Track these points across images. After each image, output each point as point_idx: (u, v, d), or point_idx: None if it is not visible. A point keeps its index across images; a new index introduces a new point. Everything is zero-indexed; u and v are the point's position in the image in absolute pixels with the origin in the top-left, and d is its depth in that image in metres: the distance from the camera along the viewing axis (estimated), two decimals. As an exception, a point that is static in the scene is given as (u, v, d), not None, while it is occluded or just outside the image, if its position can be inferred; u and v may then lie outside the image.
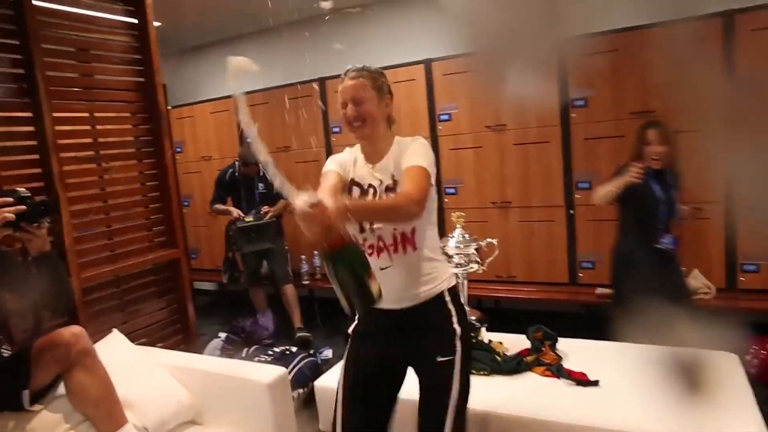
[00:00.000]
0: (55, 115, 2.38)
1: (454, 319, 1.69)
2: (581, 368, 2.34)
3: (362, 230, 1.68)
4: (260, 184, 4.22)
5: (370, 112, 1.63)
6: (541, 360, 2.43)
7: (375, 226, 1.64)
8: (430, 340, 1.68)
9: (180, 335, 2.98)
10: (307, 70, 4.66)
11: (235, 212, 4.15)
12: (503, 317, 3.42)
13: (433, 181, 1.59)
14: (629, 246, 2.88)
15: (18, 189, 1.65)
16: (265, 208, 4.10)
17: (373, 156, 1.71)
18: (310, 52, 4.82)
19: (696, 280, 3.29)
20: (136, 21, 2.79)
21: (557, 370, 2.34)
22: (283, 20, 4.86)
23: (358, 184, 1.71)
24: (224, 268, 4.41)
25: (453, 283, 1.75)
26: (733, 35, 3.17)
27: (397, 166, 1.65)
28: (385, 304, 1.61)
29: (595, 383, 2.23)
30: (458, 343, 1.66)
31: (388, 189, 1.66)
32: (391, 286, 1.63)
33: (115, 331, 2.40)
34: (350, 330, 1.84)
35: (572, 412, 2.06)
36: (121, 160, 2.76)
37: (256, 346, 3.59)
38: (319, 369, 3.42)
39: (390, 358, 1.75)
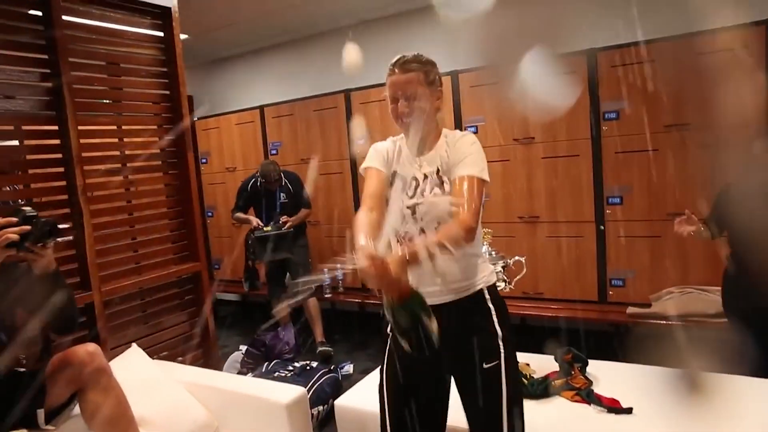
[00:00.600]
0: (81, 128, 2.39)
1: (495, 320, 1.62)
2: (613, 394, 2.23)
3: (403, 218, 1.63)
4: (282, 194, 4.22)
5: (422, 108, 1.57)
6: (570, 384, 2.32)
7: (417, 207, 1.60)
8: (471, 343, 1.60)
9: (200, 349, 2.96)
10: (333, 82, 4.66)
11: (255, 221, 4.16)
12: (530, 335, 3.32)
13: (488, 179, 1.54)
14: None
15: (24, 208, 1.63)
16: (284, 218, 4.08)
17: (418, 149, 1.64)
18: (336, 64, 4.82)
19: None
20: (162, 34, 2.80)
21: (587, 396, 2.23)
22: (309, 32, 4.88)
23: (401, 177, 1.65)
24: (245, 276, 4.41)
25: (493, 280, 1.68)
26: (775, 45, 3.04)
27: (444, 161, 1.59)
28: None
29: (629, 411, 2.12)
30: (501, 345, 1.60)
31: (433, 183, 1.60)
32: (429, 282, 1.59)
33: (134, 345, 2.39)
34: (387, 329, 1.75)
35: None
36: (146, 173, 2.76)
37: (276, 361, 3.56)
38: (339, 385, 3.37)
39: (429, 361, 1.65)
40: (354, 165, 4.52)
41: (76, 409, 1.88)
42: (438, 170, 1.60)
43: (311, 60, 4.97)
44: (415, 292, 1.38)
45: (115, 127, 2.64)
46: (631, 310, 3.40)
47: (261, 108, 4.94)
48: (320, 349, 4.07)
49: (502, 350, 1.60)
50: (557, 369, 2.43)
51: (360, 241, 1.38)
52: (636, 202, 3.47)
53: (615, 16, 3.63)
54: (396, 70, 1.58)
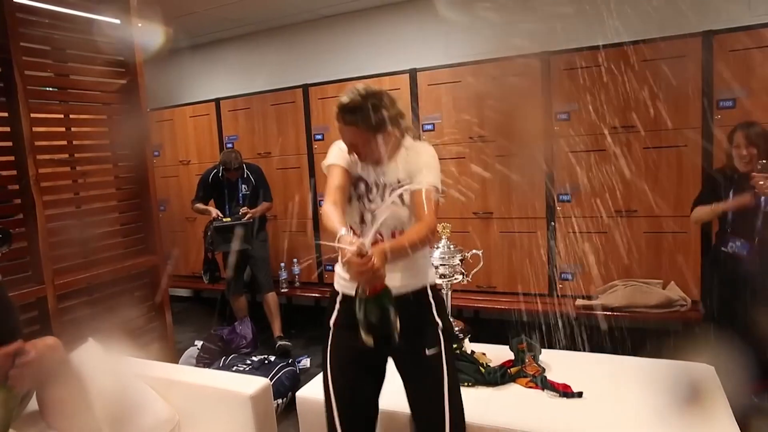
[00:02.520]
0: (33, 116, 2.31)
1: (434, 311, 1.75)
2: (564, 380, 2.35)
3: (363, 221, 1.71)
4: (243, 186, 4.18)
5: (373, 150, 1.63)
6: (524, 371, 2.43)
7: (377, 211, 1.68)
8: (414, 332, 1.69)
9: (156, 344, 2.90)
10: (291, 76, 4.65)
11: (214, 212, 4.10)
12: (484, 327, 3.43)
13: (440, 187, 1.66)
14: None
15: None
16: (244, 209, 4.05)
17: (381, 161, 1.70)
18: (294, 58, 4.81)
19: (673, 292, 3.35)
20: (118, 21, 2.73)
21: (541, 382, 2.34)
22: (267, 26, 4.83)
23: (364, 181, 1.72)
24: (204, 269, 4.32)
25: (434, 279, 1.82)
26: (711, 53, 3.25)
27: (405, 169, 1.67)
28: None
29: (579, 395, 2.24)
30: (441, 335, 1.72)
31: (393, 189, 1.67)
32: (391, 276, 1.64)
33: (90, 340, 2.32)
34: (331, 322, 1.84)
35: (557, 423, 2.06)
36: (99, 164, 2.69)
37: (234, 355, 3.53)
38: (297, 379, 3.38)
39: (373, 351, 1.73)
40: (312, 160, 4.52)
41: (31, 405, 1.83)
42: (398, 179, 1.68)
43: (269, 54, 4.93)
44: (386, 287, 1.46)
45: (65, 116, 2.55)
46: (579, 302, 3.57)
47: (217, 101, 4.86)
48: (279, 343, 4.05)
49: (441, 339, 1.72)
50: (512, 358, 2.53)
51: (340, 231, 1.44)
52: (585, 200, 3.64)
53: (568, 23, 3.80)
54: (339, 120, 1.62)
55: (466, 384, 2.34)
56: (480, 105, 3.85)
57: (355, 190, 1.72)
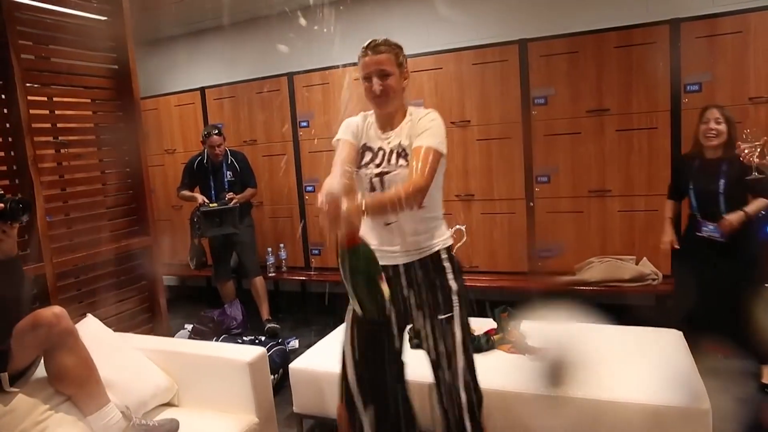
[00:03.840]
0: (30, 98, 2.36)
1: (450, 276, 1.79)
2: (543, 346, 2.50)
3: (372, 187, 1.79)
4: (228, 173, 4.24)
5: (393, 87, 1.74)
6: (507, 338, 2.58)
7: (384, 176, 1.75)
8: (429, 298, 1.78)
9: (150, 324, 2.98)
10: (276, 65, 4.71)
11: (200, 198, 4.16)
12: (467, 305, 3.56)
13: (444, 151, 1.70)
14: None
15: None
16: (230, 195, 4.12)
17: (386, 125, 1.82)
18: (278, 47, 4.87)
19: (645, 267, 3.53)
20: (109, 7, 2.78)
21: (522, 347, 2.49)
22: (251, 15, 4.88)
23: (370, 148, 1.83)
24: (190, 255, 4.38)
25: (450, 243, 1.86)
26: (679, 40, 3.43)
27: (408, 137, 1.76)
28: (385, 260, 1.76)
29: (558, 358, 2.39)
30: (455, 299, 1.78)
31: (398, 155, 1.76)
32: (394, 242, 1.77)
33: (89, 315, 2.40)
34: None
35: (536, 383, 2.21)
36: (94, 147, 2.75)
37: (224, 336, 3.62)
38: (287, 357, 3.48)
39: (391, 315, 1.83)
40: (297, 147, 4.61)
41: (39, 372, 1.90)
42: (400, 144, 1.77)
43: (254, 42, 4.99)
44: (365, 244, 1.50)
45: (63, 99, 2.61)
46: (558, 278, 3.74)
47: (202, 89, 4.91)
48: (268, 326, 4.15)
49: (455, 303, 1.78)
50: (495, 327, 2.68)
51: (325, 184, 1.49)
52: (562, 181, 3.80)
53: (543, 10, 3.95)
54: (369, 52, 1.74)
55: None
56: (461, 91, 3.98)
57: (362, 158, 1.82)
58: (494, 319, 2.70)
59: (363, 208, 1.48)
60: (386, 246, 1.79)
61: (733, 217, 2.72)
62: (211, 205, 4.10)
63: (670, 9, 3.56)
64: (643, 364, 2.33)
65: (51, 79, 2.58)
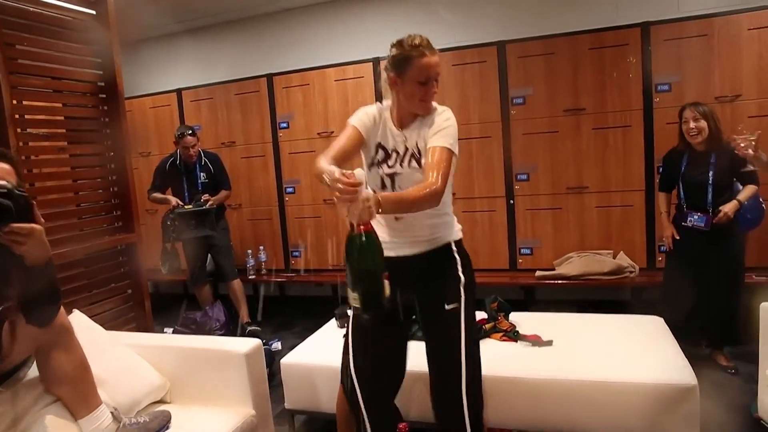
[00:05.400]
0: (13, 89, 2.30)
1: (459, 268, 1.78)
2: (533, 333, 2.56)
3: (383, 186, 1.77)
4: (202, 174, 4.16)
5: (434, 92, 1.73)
6: (498, 327, 2.62)
7: (396, 176, 1.73)
8: (437, 287, 1.77)
9: (134, 323, 2.91)
10: (255, 66, 4.70)
11: (174, 200, 4.04)
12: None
13: (456, 152, 1.70)
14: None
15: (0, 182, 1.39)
16: (205, 197, 4.04)
17: (403, 121, 1.78)
18: (258, 48, 4.86)
19: (623, 260, 3.65)
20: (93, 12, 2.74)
21: (514, 335, 2.54)
22: (230, 17, 4.87)
23: (384, 147, 1.78)
24: (162, 259, 4.19)
25: (460, 236, 1.85)
26: (649, 42, 3.58)
27: (422, 134, 1.73)
28: (396, 251, 1.75)
29: (550, 343, 2.45)
30: (462, 290, 1.76)
31: (412, 156, 1.74)
32: (405, 234, 1.75)
33: (76, 311, 2.32)
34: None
35: (532, 367, 2.26)
36: (78, 141, 2.69)
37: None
38: (272, 357, 3.44)
39: (398, 304, 1.80)
40: (277, 148, 4.59)
41: (30, 373, 1.82)
42: (417, 143, 1.74)
43: (232, 44, 4.97)
44: (375, 235, 1.45)
45: (46, 91, 2.55)
46: (539, 273, 3.82)
47: (178, 91, 4.85)
48: (249, 328, 4.08)
49: (463, 295, 1.77)
50: (485, 317, 2.72)
51: (326, 167, 1.47)
52: (540, 178, 3.90)
53: (520, 13, 4.07)
54: (426, 53, 1.68)
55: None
56: (441, 92, 4.03)
57: (375, 156, 1.79)
58: (484, 310, 2.74)
59: (381, 202, 1.44)
60: (396, 237, 1.77)
61: (728, 207, 2.83)
62: (186, 207, 4.00)
63: (638, 13, 3.73)
64: (629, 347, 2.41)
65: (34, 69, 2.51)
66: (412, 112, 1.76)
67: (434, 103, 1.79)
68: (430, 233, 1.78)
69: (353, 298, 1.46)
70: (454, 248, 1.81)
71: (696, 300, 2.90)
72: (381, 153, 1.79)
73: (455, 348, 1.73)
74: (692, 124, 2.88)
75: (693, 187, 2.96)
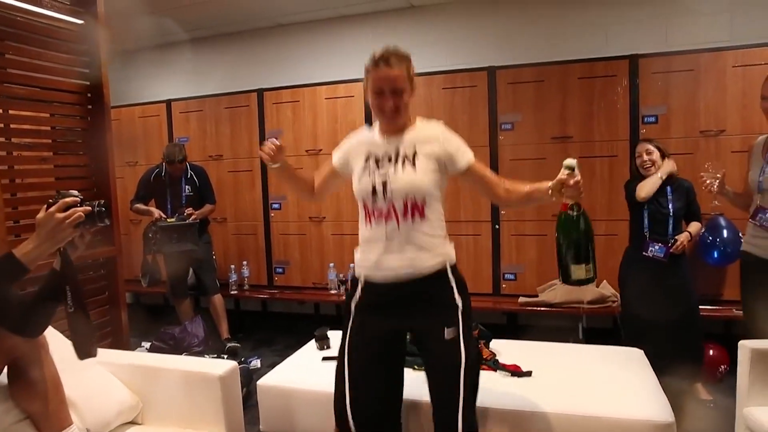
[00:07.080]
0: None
1: (455, 293, 1.73)
2: (513, 363, 2.54)
3: (374, 193, 1.71)
4: (187, 187, 4.12)
5: (405, 103, 1.70)
6: (478, 355, 2.60)
7: (388, 189, 1.70)
8: (433, 314, 1.72)
9: (109, 339, 2.86)
10: (246, 80, 4.70)
11: (156, 213, 3.99)
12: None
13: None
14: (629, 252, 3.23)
15: (72, 191, 1.51)
16: (189, 210, 4.00)
17: (390, 131, 1.77)
18: (250, 62, 4.87)
19: (606, 290, 3.65)
20: (82, 10, 2.73)
21: (494, 364, 2.52)
22: (224, 30, 4.88)
23: (374, 155, 1.78)
24: (143, 271, 4.13)
25: (454, 260, 1.79)
26: (637, 75, 3.63)
27: (411, 145, 1.73)
28: (388, 275, 1.71)
29: (529, 374, 2.43)
30: (460, 317, 1.71)
31: (403, 163, 1.71)
32: (397, 256, 1.69)
33: (49, 327, 2.27)
34: (352, 303, 1.84)
35: (510, 399, 2.23)
36: (62, 152, 2.66)
37: (185, 353, 3.50)
38: (250, 376, 3.39)
39: (393, 332, 1.79)
40: (263, 163, 4.56)
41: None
42: (405, 153, 1.72)
43: (224, 57, 4.97)
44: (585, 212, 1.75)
45: (35, 101, 2.52)
46: (522, 299, 3.82)
47: (168, 102, 4.83)
48: (228, 345, 4.03)
49: (460, 321, 1.72)
50: (466, 344, 2.70)
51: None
52: (526, 204, 3.90)
53: (512, 39, 4.11)
54: (381, 64, 1.66)
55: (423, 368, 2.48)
56: (430, 114, 4.05)
57: (366, 163, 1.77)
58: (465, 336, 2.72)
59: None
60: (389, 261, 1.71)
61: (683, 237, 2.99)
62: (168, 220, 3.95)
63: (627, 45, 3.79)
64: (607, 380, 2.40)
65: (20, 79, 2.49)
66: (401, 125, 1.76)
67: (420, 118, 1.81)
68: (425, 255, 1.71)
69: (586, 269, 1.70)
70: (449, 272, 1.75)
71: (656, 332, 2.94)
72: (371, 161, 1.77)
73: (454, 376, 1.69)
74: (645, 157, 3.03)
75: (656, 218, 3.05)
